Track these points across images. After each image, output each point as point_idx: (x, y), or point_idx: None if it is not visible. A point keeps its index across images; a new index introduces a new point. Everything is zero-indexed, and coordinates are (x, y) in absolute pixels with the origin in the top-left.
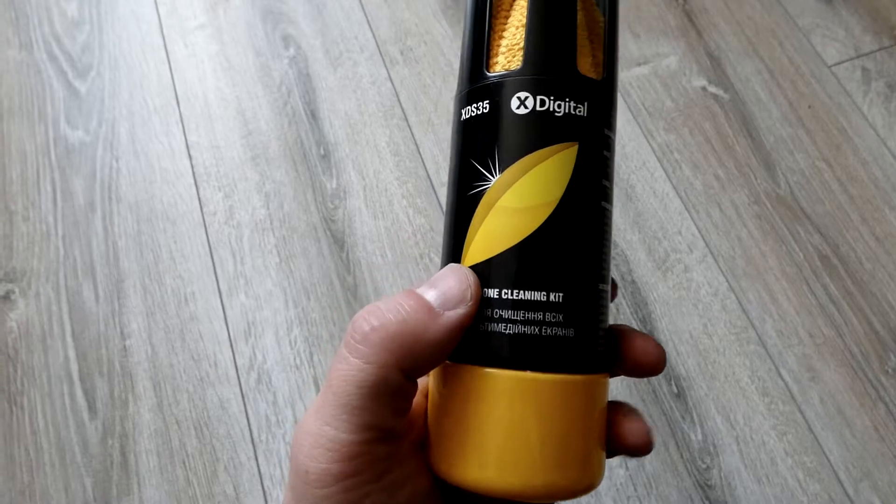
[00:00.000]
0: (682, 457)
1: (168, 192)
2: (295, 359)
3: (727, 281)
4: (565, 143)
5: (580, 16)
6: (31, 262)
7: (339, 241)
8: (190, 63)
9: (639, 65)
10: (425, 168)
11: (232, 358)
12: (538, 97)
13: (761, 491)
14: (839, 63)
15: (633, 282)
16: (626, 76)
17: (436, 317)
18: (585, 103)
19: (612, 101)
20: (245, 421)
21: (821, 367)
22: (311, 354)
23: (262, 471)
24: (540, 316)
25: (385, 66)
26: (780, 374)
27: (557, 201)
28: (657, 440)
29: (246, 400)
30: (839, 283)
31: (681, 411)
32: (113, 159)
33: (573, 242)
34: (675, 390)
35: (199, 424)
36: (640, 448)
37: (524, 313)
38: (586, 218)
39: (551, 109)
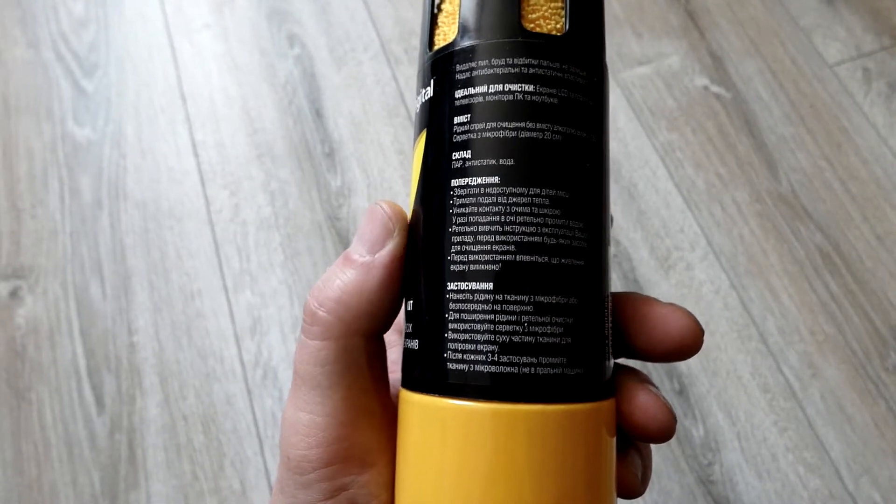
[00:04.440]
0: (683, 453)
1: (174, 190)
2: None
3: (729, 278)
4: (421, 133)
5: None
6: (38, 259)
7: (343, 239)
8: (196, 62)
9: (641, 64)
10: None
11: (238, 354)
12: (422, 92)
13: (762, 486)
14: (840, 63)
15: (636, 280)
16: (629, 75)
17: (368, 265)
18: (432, 83)
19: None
20: (251, 416)
21: (822, 363)
22: None
23: (268, 466)
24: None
25: (389, 65)
26: (781, 371)
27: (415, 193)
28: None
29: (252, 396)
30: (840, 280)
31: (683, 408)
32: (120, 157)
33: (423, 246)
34: (677, 387)
35: (206, 420)
36: (655, 431)
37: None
38: (434, 201)
39: (418, 101)
